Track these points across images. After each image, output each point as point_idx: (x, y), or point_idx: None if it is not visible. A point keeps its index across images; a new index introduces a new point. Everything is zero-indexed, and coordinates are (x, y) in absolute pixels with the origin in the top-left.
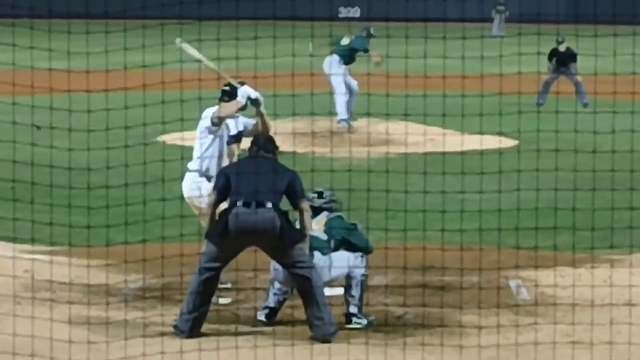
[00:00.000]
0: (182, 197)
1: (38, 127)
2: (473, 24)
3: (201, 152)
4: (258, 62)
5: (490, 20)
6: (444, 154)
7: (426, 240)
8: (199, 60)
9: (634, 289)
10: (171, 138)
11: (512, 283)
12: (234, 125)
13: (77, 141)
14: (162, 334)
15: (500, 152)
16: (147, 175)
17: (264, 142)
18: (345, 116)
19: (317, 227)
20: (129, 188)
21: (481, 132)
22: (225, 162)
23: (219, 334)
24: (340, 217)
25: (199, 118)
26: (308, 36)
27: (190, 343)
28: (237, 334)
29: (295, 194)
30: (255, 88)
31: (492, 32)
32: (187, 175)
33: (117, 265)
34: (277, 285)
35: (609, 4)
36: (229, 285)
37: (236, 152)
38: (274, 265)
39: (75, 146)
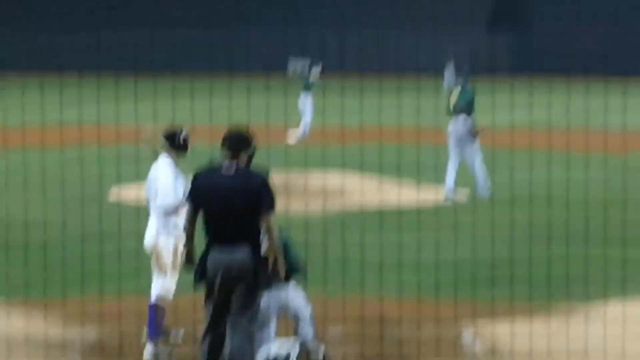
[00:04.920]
0: (137, 251)
1: None
2: (429, 76)
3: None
4: (213, 114)
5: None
6: (400, 207)
7: (383, 293)
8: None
9: (590, 339)
10: (127, 193)
11: (468, 334)
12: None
13: (33, 198)
14: None
15: (456, 204)
16: (103, 230)
17: (235, 143)
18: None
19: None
20: (84, 243)
21: (438, 184)
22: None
23: None
24: (283, 231)
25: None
26: (263, 88)
27: None
28: None
29: (260, 207)
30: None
31: (444, 85)
32: (149, 228)
33: (74, 319)
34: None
35: (562, 56)
36: (181, 335)
37: None
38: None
39: (32, 203)
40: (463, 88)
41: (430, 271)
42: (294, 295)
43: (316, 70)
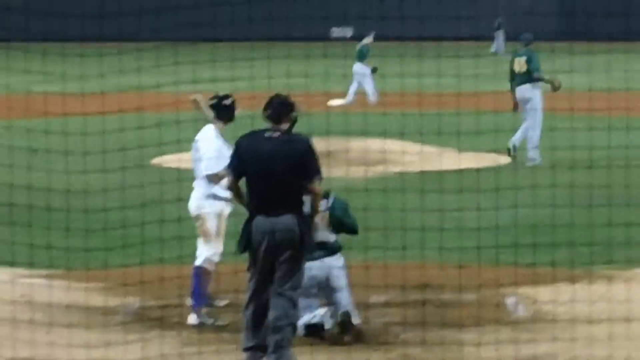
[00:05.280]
0: (179, 219)
1: (35, 151)
2: (469, 43)
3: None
4: (254, 82)
5: (491, 38)
6: (441, 172)
7: (425, 258)
8: (206, 116)
9: (632, 304)
10: (168, 160)
11: (510, 300)
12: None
13: (74, 164)
14: (162, 355)
15: (497, 169)
16: (145, 197)
17: (277, 110)
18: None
19: (322, 225)
20: (126, 211)
21: (477, 150)
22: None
23: (218, 353)
24: (338, 198)
25: (196, 140)
26: (303, 56)
27: None
28: (237, 357)
29: (305, 174)
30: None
31: (492, 50)
32: (194, 193)
33: (115, 287)
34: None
35: (603, 21)
36: (225, 303)
37: None
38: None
39: (72, 169)
40: (529, 55)
41: (472, 236)
42: (339, 265)
43: (368, 39)
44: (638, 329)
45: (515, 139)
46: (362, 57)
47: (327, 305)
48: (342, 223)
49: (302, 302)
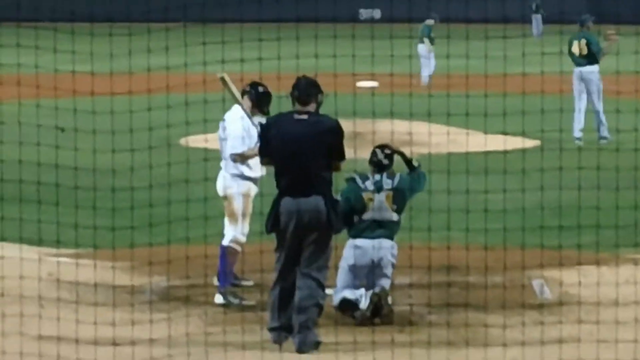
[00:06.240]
0: (205, 199)
1: (62, 130)
2: (496, 25)
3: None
4: (281, 63)
5: (524, 21)
6: (467, 154)
7: (450, 240)
8: (232, 94)
9: None
10: (194, 140)
11: (536, 282)
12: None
13: (101, 143)
14: (187, 334)
15: (523, 151)
16: (171, 177)
17: (304, 91)
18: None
19: (386, 204)
20: (153, 190)
21: (504, 132)
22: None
23: (243, 333)
24: (403, 176)
25: (223, 120)
26: (331, 37)
27: (215, 345)
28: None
29: (332, 155)
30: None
31: (533, 33)
32: (222, 173)
33: (141, 267)
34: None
35: (631, 4)
36: (251, 283)
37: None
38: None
39: (99, 148)
40: (588, 37)
41: (498, 218)
42: (393, 251)
43: (429, 20)
44: None
45: (602, 129)
46: (421, 38)
47: (366, 287)
48: (409, 196)
49: (349, 279)
